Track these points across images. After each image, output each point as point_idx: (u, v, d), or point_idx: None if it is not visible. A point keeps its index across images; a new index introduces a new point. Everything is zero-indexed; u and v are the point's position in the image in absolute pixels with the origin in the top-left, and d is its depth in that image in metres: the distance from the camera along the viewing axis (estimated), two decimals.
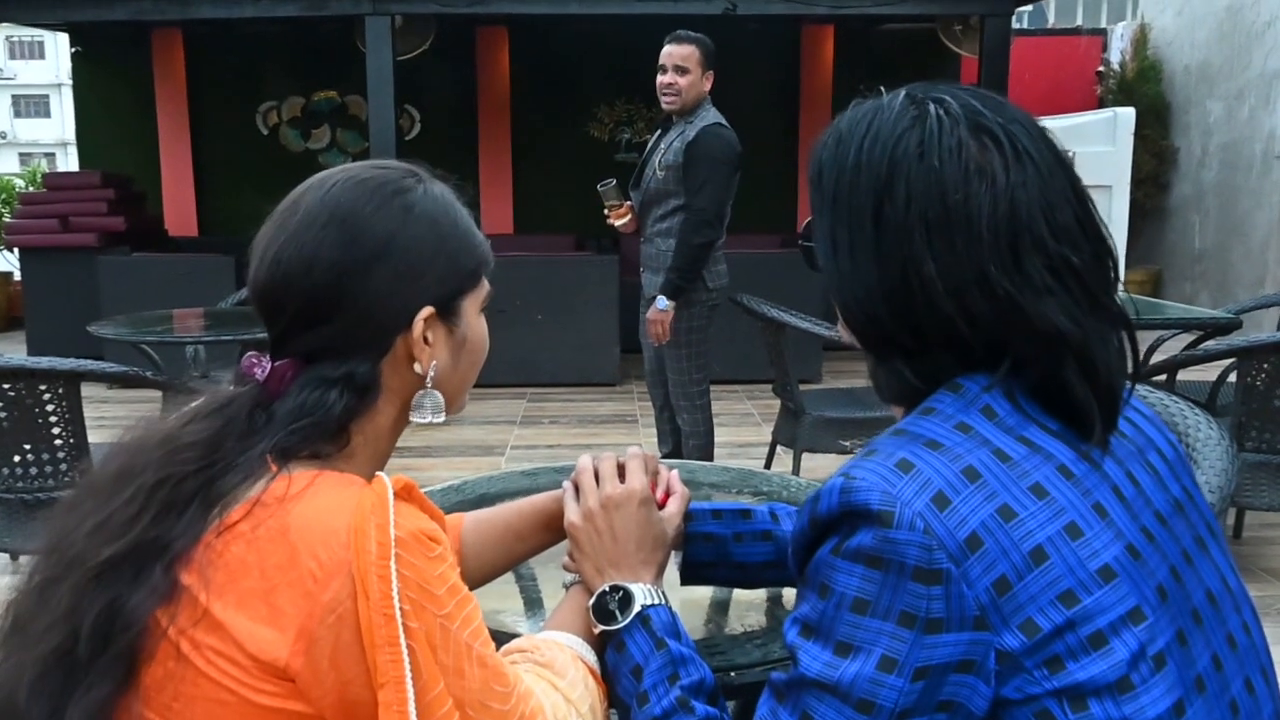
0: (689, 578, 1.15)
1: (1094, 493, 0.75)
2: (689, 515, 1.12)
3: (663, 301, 3.40)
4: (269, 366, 0.83)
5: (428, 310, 0.85)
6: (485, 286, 0.92)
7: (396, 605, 0.72)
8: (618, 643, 0.93)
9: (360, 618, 0.72)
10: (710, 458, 3.64)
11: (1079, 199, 0.80)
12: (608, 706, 0.94)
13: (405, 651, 0.72)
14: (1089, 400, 0.77)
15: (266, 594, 0.73)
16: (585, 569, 1.00)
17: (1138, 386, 0.85)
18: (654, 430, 3.93)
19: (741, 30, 7.25)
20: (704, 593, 1.30)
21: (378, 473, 0.81)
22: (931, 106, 0.80)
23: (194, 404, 0.84)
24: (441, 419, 0.88)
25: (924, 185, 0.78)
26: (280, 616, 0.72)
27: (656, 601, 0.95)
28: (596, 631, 0.95)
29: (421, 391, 0.87)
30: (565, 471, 1.71)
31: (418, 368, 0.86)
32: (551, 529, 1.10)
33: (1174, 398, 1.88)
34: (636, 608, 0.94)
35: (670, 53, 3.42)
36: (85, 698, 0.73)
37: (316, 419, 0.80)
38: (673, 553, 1.07)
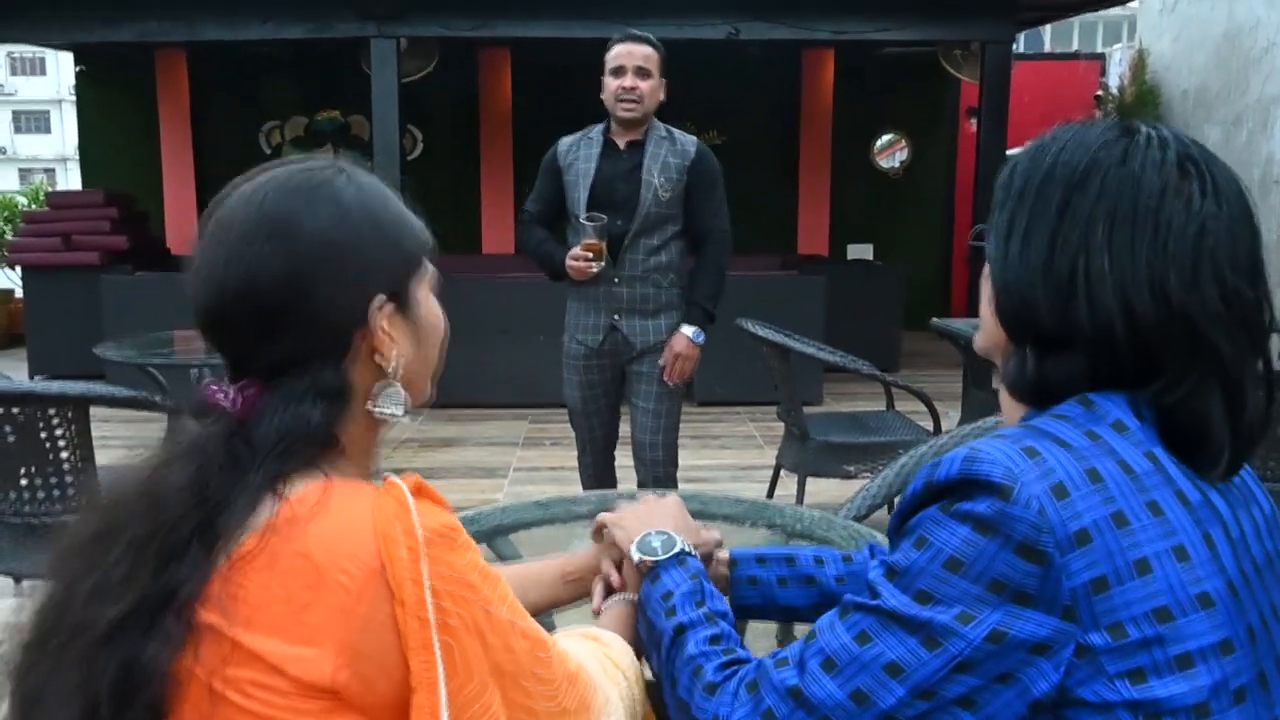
0: (738, 621, 1.18)
1: (1205, 524, 0.77)
2: (733, 561, 1.15)
3: (700, 335, 3.03)
4: (233, 393, 0.81)
5: (380, 299, 0.84)
6: (429, 268, 0.91)
7: (430, 608, 0.73)
8: (654, 575, 1.01)
9: (397, 622, 0.73)
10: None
11: (1256, 246, 0.82)
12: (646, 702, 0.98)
13: (439, 653, 0.73)
14: (1224, 434, 0.79)
15: (299, 614, 0.72)
16: (628, 530, 1.08)
17: None
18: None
19: (743, 54, 7.31)
20: None
21: (389, 476, 0.81)
22: (1144, 128, 0.83)
23: (163, 449, 0.82)
24: (402, 411, 0.86)
25: (1119, 185, 0.80)
26: (317, 634, 0.72)
27: (693, 552, 1.04)
28: (637, 561, 1.03)
29: (379, 383, 0.85)
30: (580, 503, 1.73)
31: (379, 359, 0.84)
32: (570, 582, 1.13)
33: None
34: (679, 547, 1.03)
35: (630, 52, 2.92)
36: None
37: (298, 435, 0.79)
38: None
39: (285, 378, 0.81)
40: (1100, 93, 9.46)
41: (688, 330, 3.01)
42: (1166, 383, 0.79)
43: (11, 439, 2.53)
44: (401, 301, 0.87)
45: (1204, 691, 0.72)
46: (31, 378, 6.71)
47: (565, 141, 3.11)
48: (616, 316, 3.02)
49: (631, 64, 2.91)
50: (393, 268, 0.86)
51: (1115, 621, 0.72)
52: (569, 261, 2.93)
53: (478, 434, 5.37)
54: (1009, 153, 0.87)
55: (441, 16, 5.74)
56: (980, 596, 0.74)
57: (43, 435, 2.52)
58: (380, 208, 0.87)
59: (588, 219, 2.92)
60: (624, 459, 3.29)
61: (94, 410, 2.57)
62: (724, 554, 1.18)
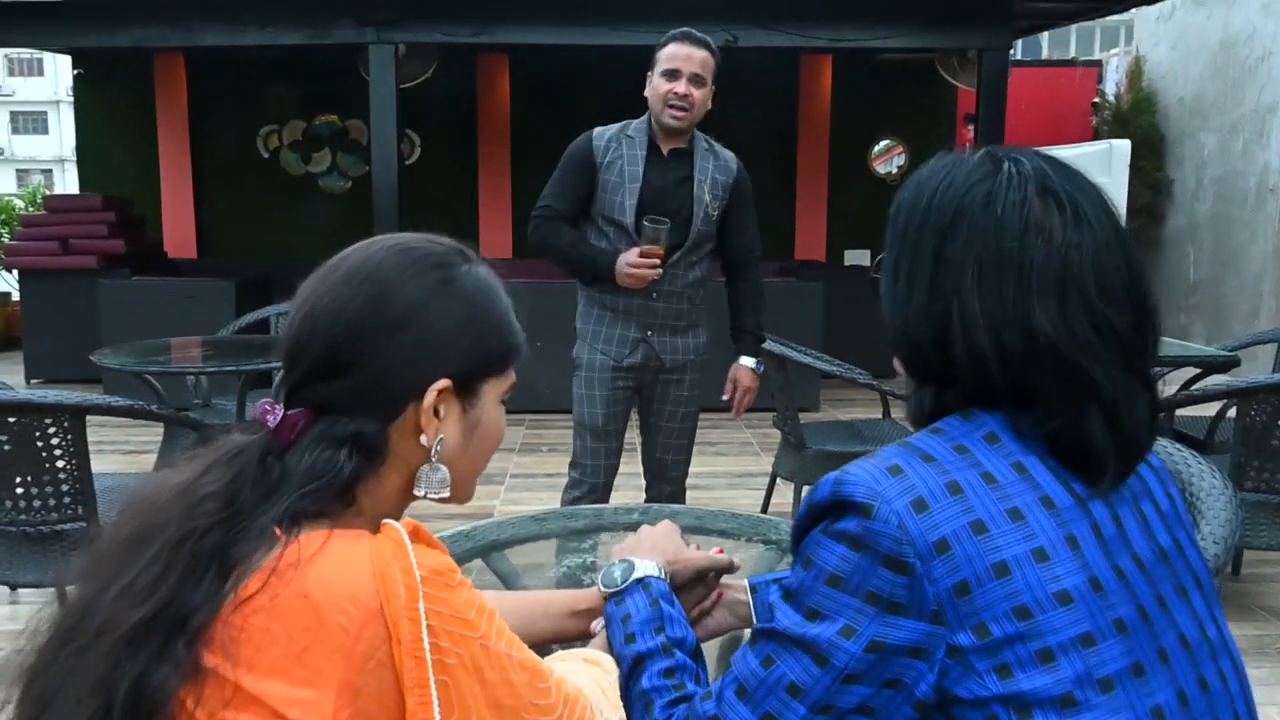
0: None
1: (1070, 525, 0.81)
2: (754, 588, 1.18)
3: (761, 366, 2.97)
4: (280, 414, 0.84)
5: (443, 382, 0.86)
6: (511, 377, 0.93)
7: (426, 647, 0.74)
8: (619, 598, 1.06)
9: (395, 661, 0.74)
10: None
11: (1130, 269, 0.86)
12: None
13: (434, 691, 0.74)
14: (1108, 450, 0.83)
15: (299, 656, 0.73)
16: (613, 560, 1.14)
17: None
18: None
19: (741, 60, 7.32)
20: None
21: (387, 521, 0.82)
22: (1006, 164, 0.88)
23: (207, 452, 0.84)
24: (445, 495, 0.88)
25: (984, 230, 0.85)
26: (317, 676, 0.73)
27: (658, 574, 1.09)
28: (602, 594, 1.08)
29: (427, 465, 0.88)
30: (575, 517, 1.73)
31: (423, 439, 0.86)
32: (577, 615, 1.14)
33: (1178, 446, 1.89)
34: (638, 574, 1.08)
35: (689, 56, 2.71)
36: None
37: (325, 481, 0.81)
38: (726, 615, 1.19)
39: (331, 416, 0.84)
40: (1097, 99, 9.48)
41: (749, 362, 2.94)
42: (1043, 412, 0.84)
43: (7, 448, 2.53)
44: (467, 394, 0.89)
45: (1066, 683, 0.77)
46: (28, 382, 6.71)
47: (602, 134, 2.84)
48: (650, 332, 2.85)
49: (689, 69, 2.72)
50: (468, 361, 0.88)
51: (979, 622, 0.78)
52: (629, 267, 2.68)
53: None
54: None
55: (440, 23, 5.74)
56: (859, 609, 0.80)
57: (39, 444, 2.52)
58: (482, 302, 0.90)
59: (651, 221, 2.69)
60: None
61: (90, 415, 2.57)
62: (740, 581, 1.20)
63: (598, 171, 2.80)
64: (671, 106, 2.73)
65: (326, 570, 0.76)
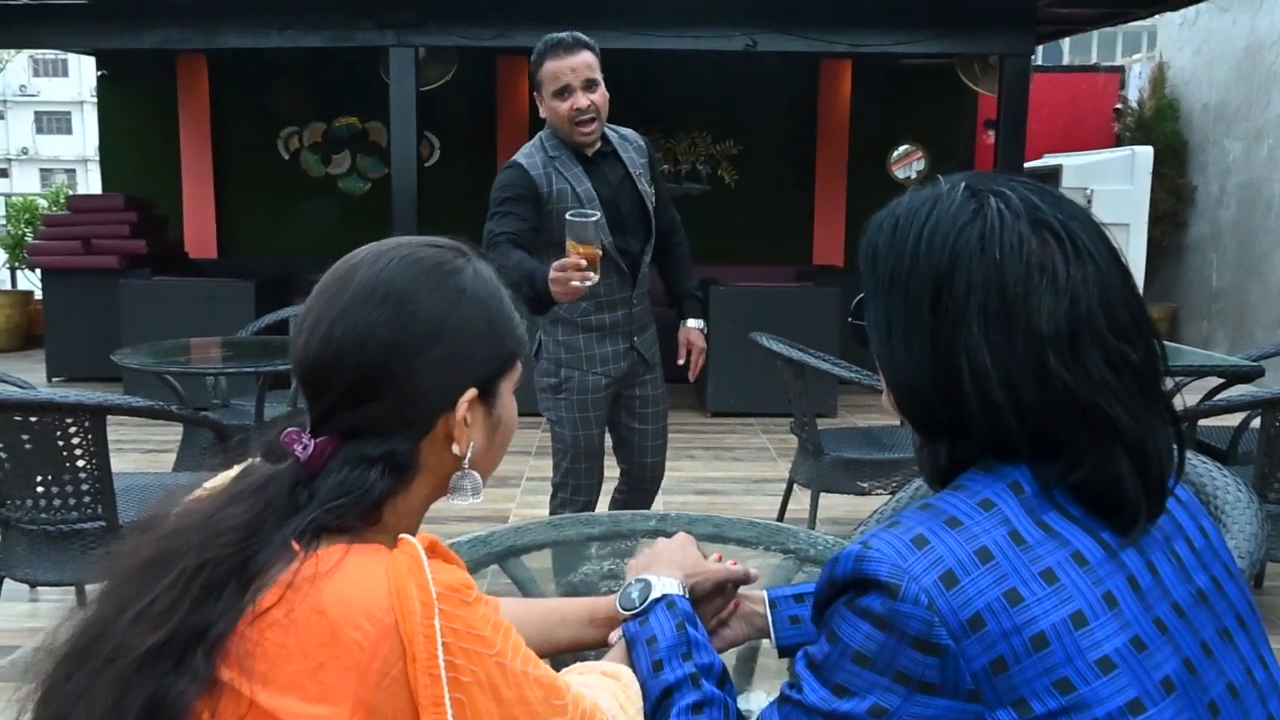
0: (787, 658, 1.19)
1: (1106, 581, 0.77)
2: (773, 603, 1.17)
3: (705, 325, 2.98)
4: (310, 444, 0.82)
5: (472, 392, 0.86)
6: (519, 369, 0.93)
7: (441, 665, 0.73)
8: (641, 618, 1.04)
9: (409, 678, 0.73)
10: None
11: (1132, 294, 0.82)
12: None
13: (449, 709, 0.73)
14: (1139, 494, 0.79)
15: (314, 672, 0.73)
16: (627, 578, 1.12)
17: None
18: (669, 462, 3.20)
19: (761, 65, 7.31)
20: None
21: (404, 536, 0.81)
22: (992, 200, 0.82)
23: (234, 482, 0.83)
24: (480, 499, 0.88)
25: (984, 277, 0.80)
26: (332, 692, 0.72)
27: (680, 593, 1.06)
28: (622, 616, 1.05)
29: (460, 473, 0.88)
30: (592, 523, 1.73)
31: (455, 449, 0.86)
32: (596, 624, 1.12)
33: (1201, 458, 1.87)
34: (657, 593, 1.05)
35: (573, 66, 2.55)
36: None
37: (355, 498, 0.80)
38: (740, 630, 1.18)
39: (361, 440, 0.83)
40: (1119, 106, 9.41)
41: (697, 324, 2.92)
42: (1067, 461, 0.79)
43: (29, 447, 2.54)
44: (489, 397, 0.89)
45: None
46: (49, 380, 6.77)
47: (530, 164, 2.66)
48: (635, 338, 2.83)
49: (577, 80, 2.56)
50: (489, 362, 0.88)
51: (1019, 698, 0.73)
52: (555, 275, 2.28)
53: None
54: (871, 225, 0.84)
55: (460, 26, 5.76)
56: (889, 688, 0.76)
57: (59, 443, 2.53)
58: (494, 303, 0.89)
59: (577, 215, 2.37)
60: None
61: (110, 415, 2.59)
62: (759, 593, 1.19)
63: (543, 202, 2.64)
64: (579, 124, 2.61)
65: (343, 586, 0.75)
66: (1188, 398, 4.05)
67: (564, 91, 2.59)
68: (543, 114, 2.68)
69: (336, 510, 0.80)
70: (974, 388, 0.79)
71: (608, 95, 2.67)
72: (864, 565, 0.77)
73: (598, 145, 2.72)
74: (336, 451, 0.82)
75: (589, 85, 2.59)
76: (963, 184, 0.85)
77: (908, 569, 0.76)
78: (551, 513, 2.89)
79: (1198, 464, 1.85)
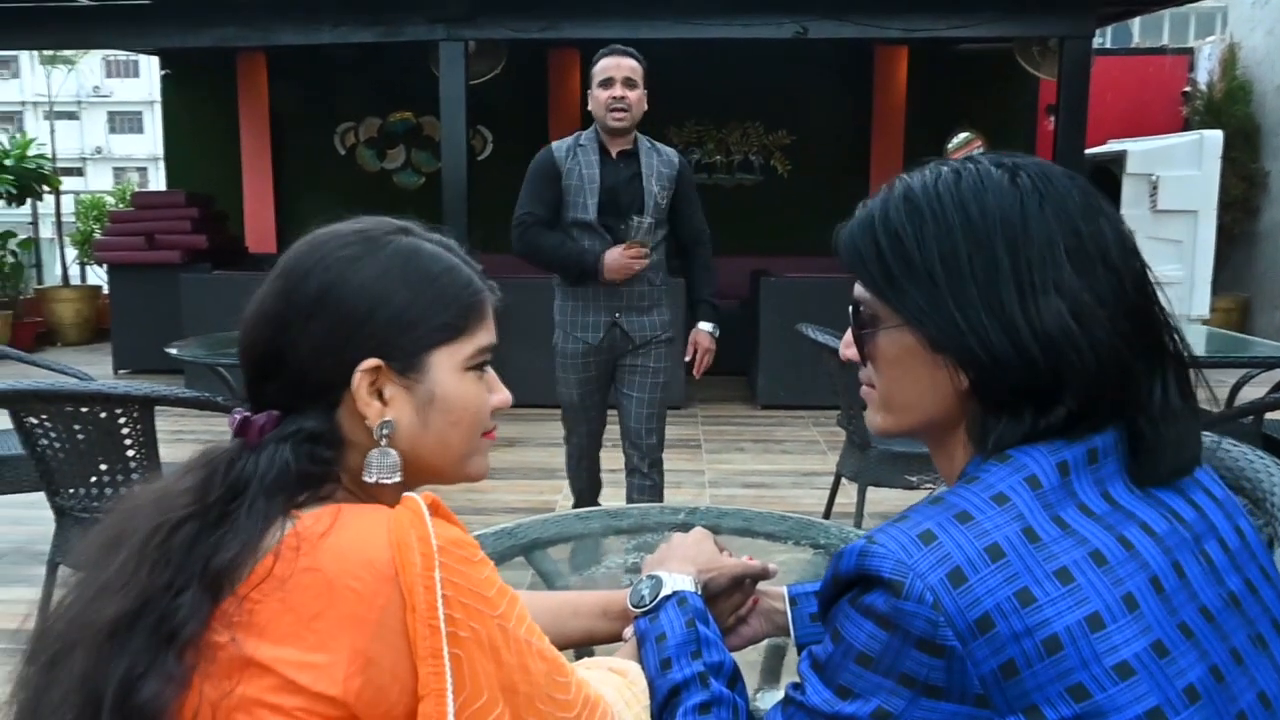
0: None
1: (1126, 582, 0.73)
2: (793, 600, 1.14)
3: (717, 329, 3.34)
4: (236, 419, 0.84)
5: (370, 363, 0.83)
6: (475, 342, 0.88)
7: (441, 616, 0.72)
8: (651, 614, 1.03)
9: (408, 628, 0.72)
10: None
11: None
12: None
13: (448, 663, 0.72)
14: (1158, 442, 0.78)
15: (310, 623, 0.72)
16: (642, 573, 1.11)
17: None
18: (717, 455, 3.78)
19: (814, 52, 7.21)
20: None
21: (407, 494, 0.80)
22: (1007, 159, 0.84)
23: (187, 462, 0.85)
24: (395, 479, 0.84)
25: (1057, 222, 0.79)
26: (329, 640, 0.71)
27: (692, 589, 1.05)
28: (633, 614, 1.04)
29: (376, 449, 0.84)
30: (620, 516, 1.71)
31: (366, 422, 0.83)
32: (609, 617, 1.11)
33: (1259, 453, 1.78)
34: (668, 589, 1.04)
35: (618, 64, 3.13)
36: None
37: (277, 476, 0.79)
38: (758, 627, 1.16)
39: (291, 416, 0.83)
40: (1188, 88, 9.11)
41: (706, 327, 3.32)
42: (1143, 396, 0.79)
43: (80, 437, 2.61)
44: (407, 370, 0.85)
45: None
46: (115, 372, 6.97)
47: (559, 147, 3.23)
48: (618, 314, 3.23)
49: (620, 75, 3.10)
50: (397, 335, 0.84)
51: (1030, 704, 0.69)
52: (621, 260, 3.08)
53: (537, 434, 5.39)
54: (917, 205, 0.79)
55: (509, 19, 5.78)
56: (893, 690, 0.73)
57: (110, 434, 2.60)
58: (405, 273, 0.85)
59: (640, 221, 3.08)
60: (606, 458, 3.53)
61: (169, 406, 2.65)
62: (779, 589, 1.17)
63: (561, 179, 3.19)
64: (612, 110, 3.12)
65: (340, 542, 0.75)
66: (1258, 390, 3.89)
67: (608, 82, 3.12)
68: (589, 106, 3.18)
69: (275, 487, 0.79)
70: (1080, 330, 0.76)
71: (645, 102, 3.17)
72: (867, 561, 0.74)
73: (625, 144, 3.20)
74: (273, 428, 0.83)
75: (629, 83, 3.12)
76: (983, 158, 0.84)
77: (912, 565, 0.72)
78: (566, 456, 3.46)
79: (1254, 459, 1.77)
